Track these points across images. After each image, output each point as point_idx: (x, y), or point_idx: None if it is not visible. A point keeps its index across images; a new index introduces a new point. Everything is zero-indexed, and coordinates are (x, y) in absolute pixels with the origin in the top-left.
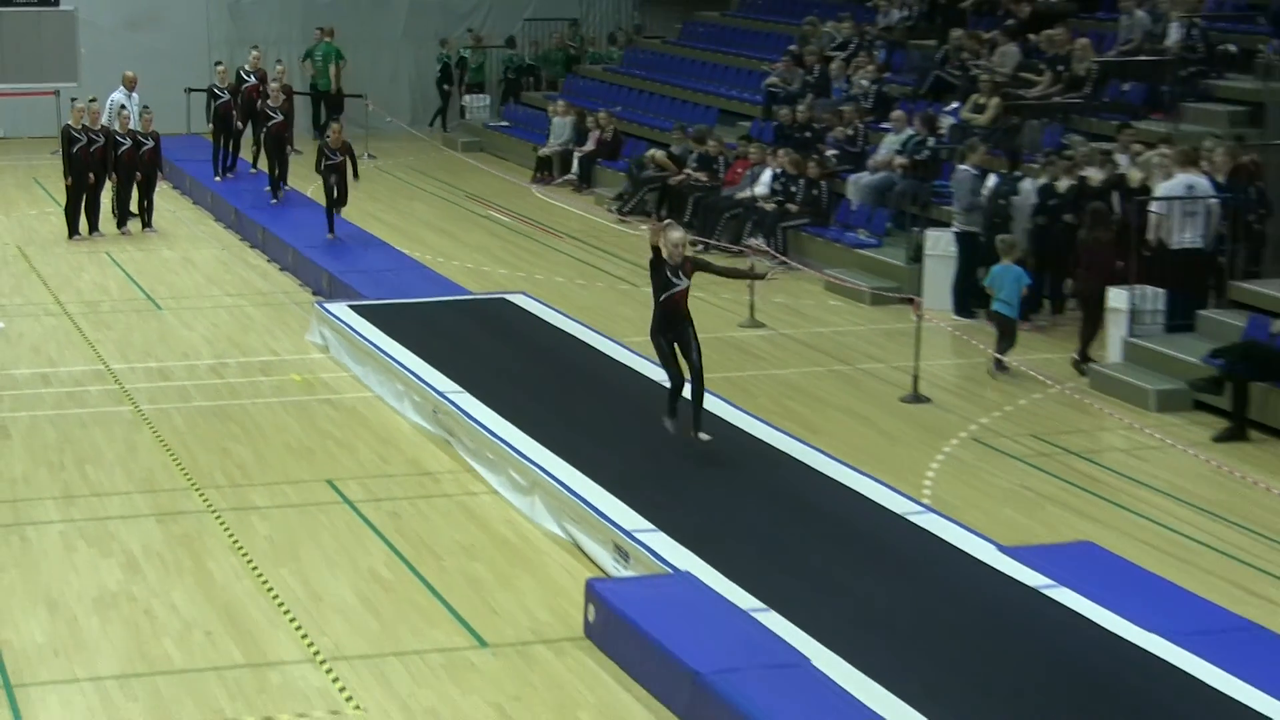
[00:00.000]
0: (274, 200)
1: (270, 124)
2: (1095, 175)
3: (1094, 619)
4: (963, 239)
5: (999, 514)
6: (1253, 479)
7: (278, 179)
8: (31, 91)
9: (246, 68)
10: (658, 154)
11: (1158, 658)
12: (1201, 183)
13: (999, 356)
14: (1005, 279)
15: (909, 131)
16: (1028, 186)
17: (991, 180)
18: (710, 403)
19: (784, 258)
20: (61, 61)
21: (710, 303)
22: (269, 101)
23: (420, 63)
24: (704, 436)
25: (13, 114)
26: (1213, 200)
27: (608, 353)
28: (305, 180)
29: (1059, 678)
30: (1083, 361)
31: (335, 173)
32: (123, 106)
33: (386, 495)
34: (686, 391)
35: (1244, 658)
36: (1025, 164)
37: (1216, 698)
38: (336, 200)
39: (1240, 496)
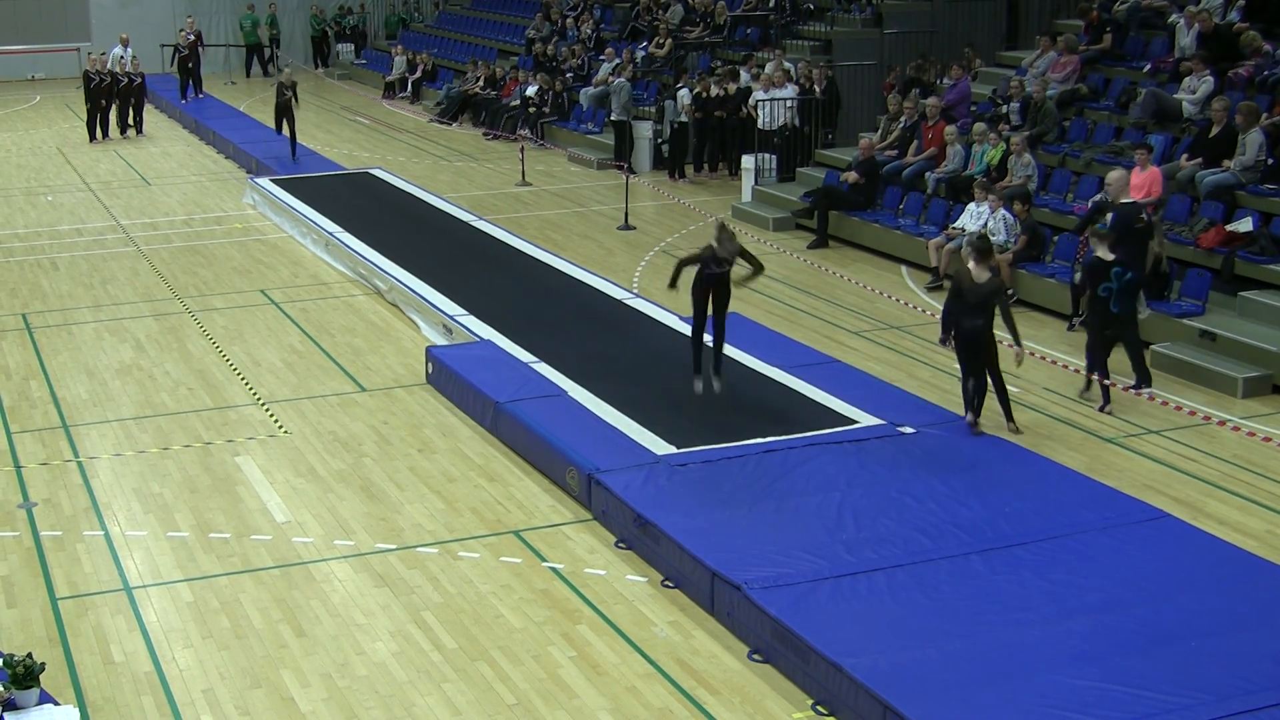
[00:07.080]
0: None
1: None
2: (731, 87)
3: (736, 358)
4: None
5: (679, 297)
6: (831, 270)
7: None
8: (61, 48)
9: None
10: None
11: (770, 379)
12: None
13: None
14: None
15: (616, 61)
16: (684, 93)
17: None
18: (496, 234)
19: (542, 141)
20: (80, 28)
21: (493, 169)
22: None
23: (307, 24)
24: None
25: (49, 63)
26: (799, 99)
27: (433, 203)
28: (236, 99)
29: (714, 391)
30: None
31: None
32: (120, 56)
33: (297, 298)
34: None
35: (825, 378)
36: (689, 79)
37: (802, 401)
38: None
39: (824, 280)
